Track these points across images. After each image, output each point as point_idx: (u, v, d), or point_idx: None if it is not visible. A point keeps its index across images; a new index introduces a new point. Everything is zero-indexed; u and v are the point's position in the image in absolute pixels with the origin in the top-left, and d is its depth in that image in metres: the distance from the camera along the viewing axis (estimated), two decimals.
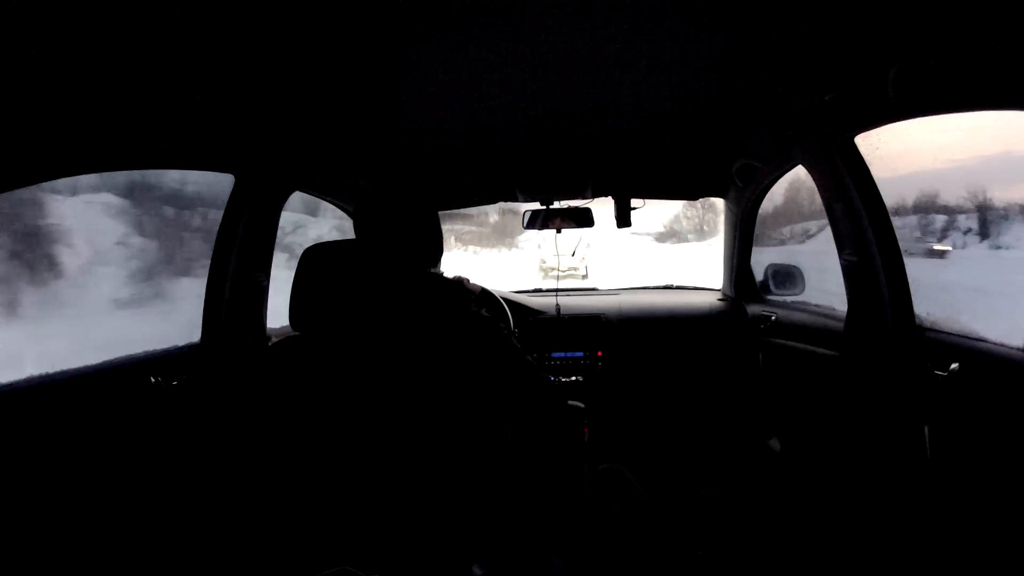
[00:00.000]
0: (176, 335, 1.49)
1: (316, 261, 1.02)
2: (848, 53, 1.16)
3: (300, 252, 1.02)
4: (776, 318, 2.06)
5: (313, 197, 2.04)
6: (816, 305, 1.94)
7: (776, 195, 2.31)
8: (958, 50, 1.02)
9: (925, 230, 3.24)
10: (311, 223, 3.76)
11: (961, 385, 1.19)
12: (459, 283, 1.06)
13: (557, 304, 2.34)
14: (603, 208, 2.32)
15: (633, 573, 1.08)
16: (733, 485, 2.12)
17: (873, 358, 1.44)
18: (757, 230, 2.29)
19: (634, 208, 2.29)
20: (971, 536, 1.20)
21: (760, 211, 2.24)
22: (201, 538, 1.30)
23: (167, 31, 0.95)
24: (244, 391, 1.40)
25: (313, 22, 0.99)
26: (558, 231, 2.26)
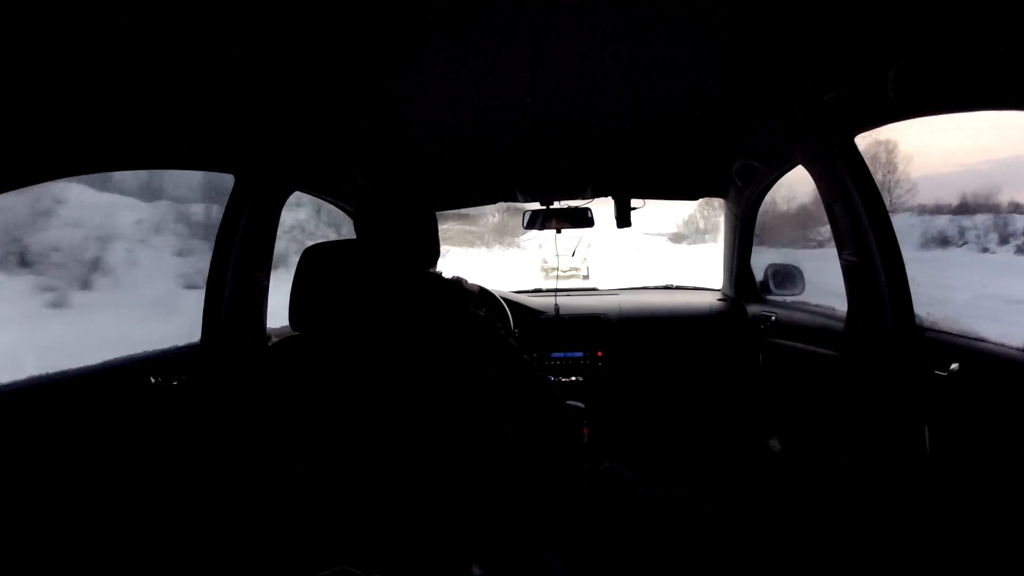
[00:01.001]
0: None
1: (315, 261, 1.02)
2: (848, 53, 1.16)
3: None
4: (776, 318, 2.06)
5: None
6: (816, 305, 1.94)
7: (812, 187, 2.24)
8: (958, 50, 1.02)
9: None
10: None
11: (961, 385, 1.18)
12: (457, 283, 1.06)
13: (556, 304, 2.34)
14: (606, 208, 2.32)
15: (633, 573, 1.08)
16: (733, 485, 2.12)
17: (873, 358, 1.44)
18: (789, 230, 2.27)
19: (634, 208, 2.28)
20: (971, 536, 1.20)
21: (794, 208, 2.20)
22: (201, 538, 1.30)
23: (167, 31, 0.95)
24: (244, 391, 1.40)
25: (313, 22, 0.99)
26: (558, 231, 2.26)
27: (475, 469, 0.92)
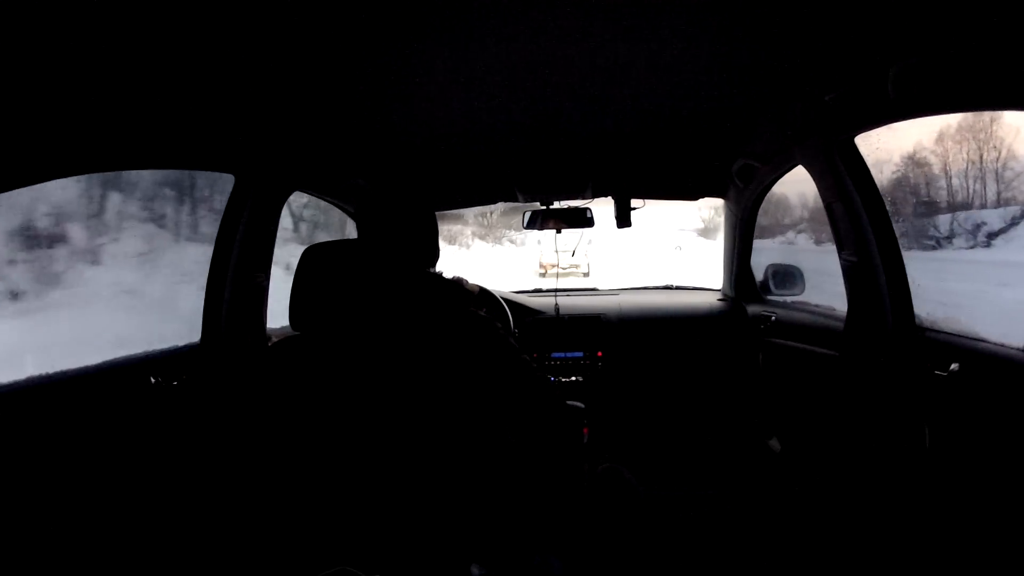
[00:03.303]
0: None
1: (316, 261, 1.02)
2: (848, 53, 1.16)
3: None
4: (776, 318, 2.06)
5: None
6: (816, 305, 1.94)
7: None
8: (958, 50, 1.02)
9: None
10: None
11: (961, 385, 1.18)
12: (458, 283, 1.06)
13: (556, 304, 2.34)
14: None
15: (633, 573, 1.08)
16: (733, 485, 2.12)
17: (873, 358, 1.44)
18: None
19: (634, 208, 2.29)
20: (971, 536, 1.20)
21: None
22: (201, 538, 1.30)
23: (167, 31, 0.95)
24: (244, 391, 1.40)
25: (313, 23, 0.99)
26: (558, 231, 2.26)
27: (475, 469, 0.92)
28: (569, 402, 1.26)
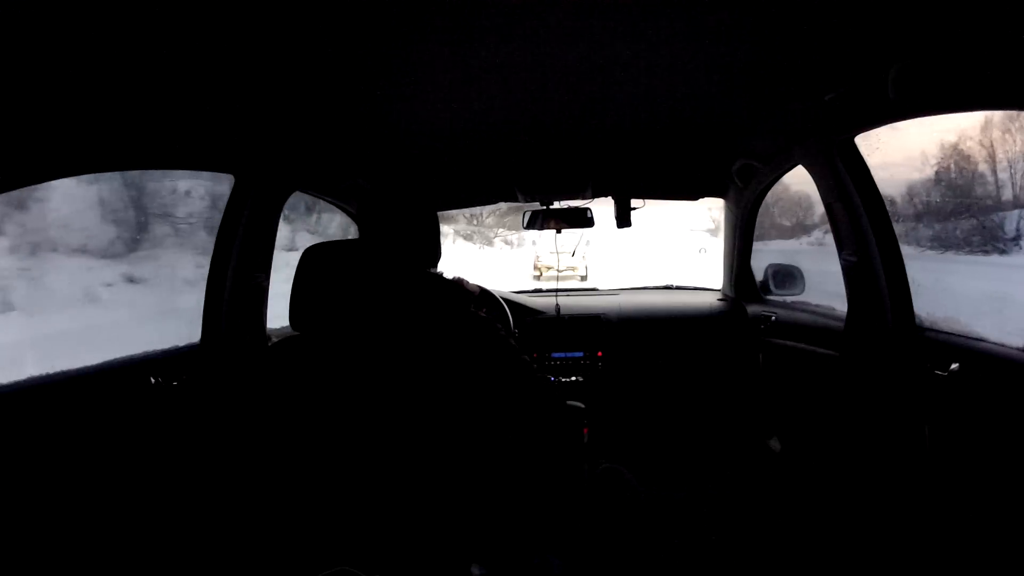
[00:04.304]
0: None
1: (316, 261, 1.02)
2: (848, 53, 1.16)
3: None
4: (776, 318, 2.06)
5: None
6: (816, 305, 1.94)
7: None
8: (958, 50, 1.02)
9: None
10: None
11: (961, 385, 1.18)
12: (458, 283, 1.06)
13: (557, 304, 2.34)
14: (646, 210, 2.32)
15: (633, 573, 1.08)
16: (733, 485, 2.12)
17: (873, 358, 1.44)
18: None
19: (634, 208, 2.29)
20: (971, 536, 1.20)
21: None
22: (202, 538, 1.30)
23: (167, 31, 0.95)
24: (244, 391, 1.40)
25: (313, 22, 0.99)
26: (558, 231, 2.26)
27: (475, 469, 0.92)
28: (569, 402, 1.26)
